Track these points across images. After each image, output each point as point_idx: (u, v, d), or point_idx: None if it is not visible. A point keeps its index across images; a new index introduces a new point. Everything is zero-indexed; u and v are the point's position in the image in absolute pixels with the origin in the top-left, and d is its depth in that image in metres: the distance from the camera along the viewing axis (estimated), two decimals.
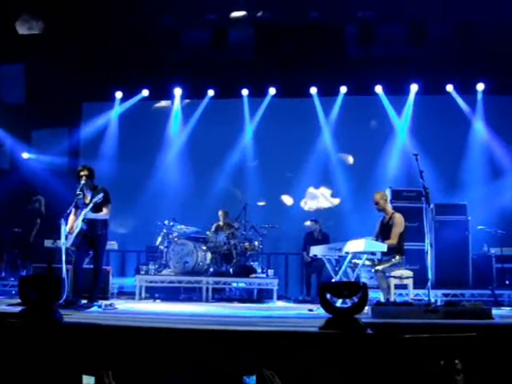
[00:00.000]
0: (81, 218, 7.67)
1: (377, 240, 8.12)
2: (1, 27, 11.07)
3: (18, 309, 5.46)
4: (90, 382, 3.99)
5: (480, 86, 12.61)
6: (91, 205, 7.63)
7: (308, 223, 11.90)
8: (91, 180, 7.90)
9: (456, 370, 4.01)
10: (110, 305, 7.89)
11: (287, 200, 13.13)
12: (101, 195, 7.62)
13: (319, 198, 13.00)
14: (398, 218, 8.10)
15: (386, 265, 7.87)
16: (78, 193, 7.73)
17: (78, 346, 4.69)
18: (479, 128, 12.60)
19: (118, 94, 13.66)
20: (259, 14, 10.14)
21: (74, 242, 7.77)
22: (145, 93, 13.52)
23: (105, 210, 7.80)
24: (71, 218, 7.82)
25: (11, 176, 12.39)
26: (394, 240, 7.96)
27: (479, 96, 12.70)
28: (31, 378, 4.52)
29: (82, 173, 7.83)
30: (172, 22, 12.32)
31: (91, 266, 8.02)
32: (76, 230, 7.70)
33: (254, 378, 4.08)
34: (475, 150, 12.49)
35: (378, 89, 12.96)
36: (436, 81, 12.58)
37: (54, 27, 11.36)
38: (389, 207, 8.50)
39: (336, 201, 12.91)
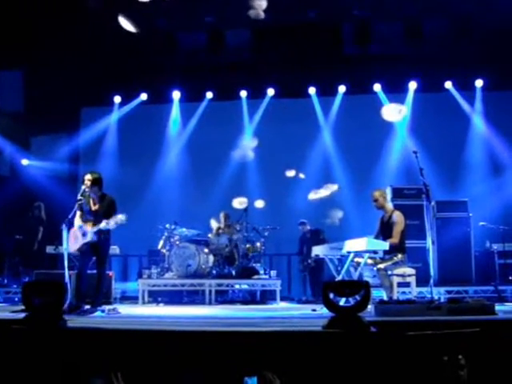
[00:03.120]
0: (91, 229, 7.67)
1: (377, 238, 8.10)
2: None
3: (21, 315, 5.46)
4: None
5: (479, 83, 12.63)
6: (104, 224, 7.63)
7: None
8: (98, 187, 7.87)
9: (460, 366, 4.01)
10: (113, 309, 7.88)
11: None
12: (104, 224, 7.64)
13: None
14: (398, 217, 8.09)
15: (388, 263, 7.86)
16: (79, 198, 7.72)
17: (82, 351, 4.69)
18: (479, 124, 12.63)
19: (117, 99, 13.70)
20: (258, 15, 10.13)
21: (81, 248, 7.78)
22: (143, 97, 13.56)
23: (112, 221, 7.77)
24: (77, 220, 7.83)
25: (11, 183, 12.39)
26: (395, 239, 7.95)
27: (478, 92, 12.72)
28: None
29: (85, 177, 7.81)
30: (169, 26, 12.34)
31: (94, 272, 8.02)
32: (86, 240, 7.73)
33: (255, 379, 4.07)
34: (475, 147, 12.52)
35: (377, 87, 12.98)
36: (434, 78, 12.62)
37: (51, 33, 11.36)
38: (388, 205, 8.49)
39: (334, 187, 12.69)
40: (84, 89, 12.87)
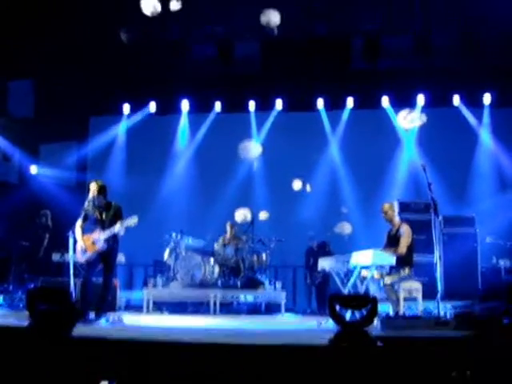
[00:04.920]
0: (102, 236, 7.66)
1: None
2: (10, 43, 11.14)
3: (25, 322, 5.43)
4: None
5: (487, 98, 12.59)
6: (119, 226, 7.61)
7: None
8: (103, 196, 7.86)
9: (468, 381, 3.97)
10: (118, 318, 7.88)
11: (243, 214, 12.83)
12: (118, 226, 7.63)
13: None
14: (406, 229, 8.07)
15: (395, 278, 7.81)
16: (85, 206, 7.71)
17: (86, 360, 4.68)
18: (486, 140, 12.59)
19: (126, 108, 13.72)
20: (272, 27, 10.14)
21: (90, 258, 7.75)
22: (152, 107, 13.57)
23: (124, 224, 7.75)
24: (79, 232, 7.78)
25: (19, 190, 12.41)
26: (402, 249, 7.91)
27: (486, 108, 12.69)
28: None
29: (90, 186, 7.82)
30: (178, 36, 12.37)
31: (99, 279, 7.99)
32: (97, 248, 7.70)
33: None
34: (483, 162, 12.48)
35: (385, 101, 12.96)
36: (443, 93, 12.62)
37: (61, 42, 11.42)
38: (396, 219, 8.45)
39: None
40: (93, 97, 12.92)
